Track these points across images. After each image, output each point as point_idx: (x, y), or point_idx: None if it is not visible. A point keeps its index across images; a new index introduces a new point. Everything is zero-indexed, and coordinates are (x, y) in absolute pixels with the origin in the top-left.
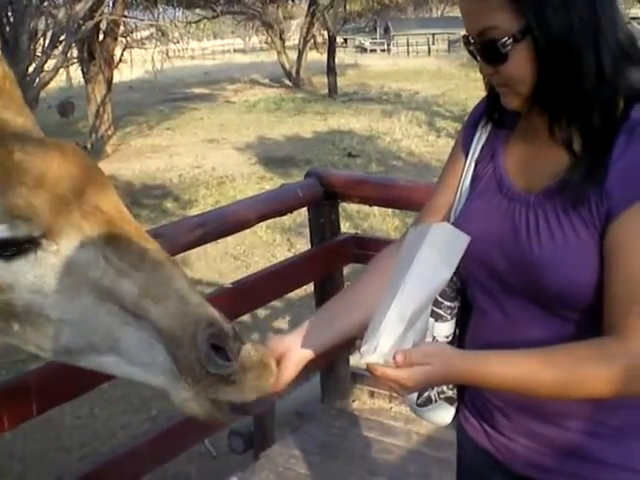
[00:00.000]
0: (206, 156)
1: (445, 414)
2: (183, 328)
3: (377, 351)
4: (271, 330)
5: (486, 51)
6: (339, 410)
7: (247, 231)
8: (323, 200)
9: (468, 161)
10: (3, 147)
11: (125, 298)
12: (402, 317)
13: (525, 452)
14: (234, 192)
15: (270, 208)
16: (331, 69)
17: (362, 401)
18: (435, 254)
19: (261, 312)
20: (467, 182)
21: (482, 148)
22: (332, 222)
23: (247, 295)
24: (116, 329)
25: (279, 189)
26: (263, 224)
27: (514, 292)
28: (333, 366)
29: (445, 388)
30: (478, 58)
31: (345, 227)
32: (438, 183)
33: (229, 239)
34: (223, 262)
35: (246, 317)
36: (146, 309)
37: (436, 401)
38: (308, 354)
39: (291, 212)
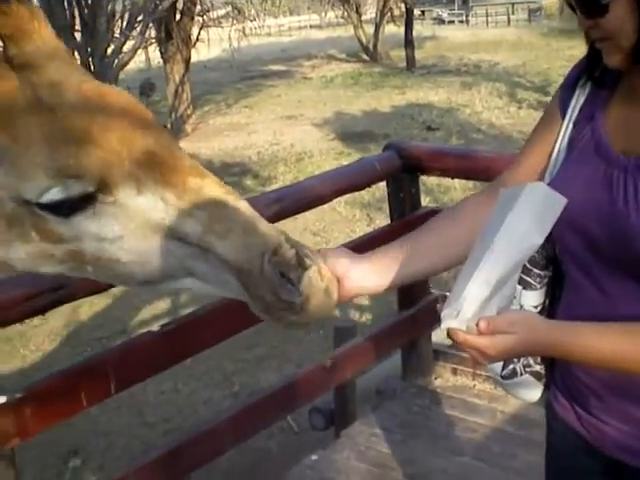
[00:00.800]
0: (284, 133)
1: (532, 390)
2: (250, 261)
3: (459, 316)
4: (352, 307)
5: (585, 2)
6: (421, 388)
7: (326, 207)
8: (402, 173)
9: (566, 122)
10: (42, 103)
11: (190, 237)
12: (488, 282)
13: (617, 435)
14: (312, 168)
15: (347, 182)
16: (409, 42)
17: (445, 379)
18: (527, 216)
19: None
20: (564, 144)
21: (581, 109)
22: (412, 196)
23: None
24: (187, 262)
25: (356, 163)
26: (342, 200)
27: (611, 265)
28: (415, 343)
29: (532, 361)
30: (577, 11)
31: (425, 201)
32: (526, 145)
33: (308, 215)
34: (302, 238)
35: None
36: (212, 245)
37: (521, 374)
38: (365, 288)
39: (369, 186)
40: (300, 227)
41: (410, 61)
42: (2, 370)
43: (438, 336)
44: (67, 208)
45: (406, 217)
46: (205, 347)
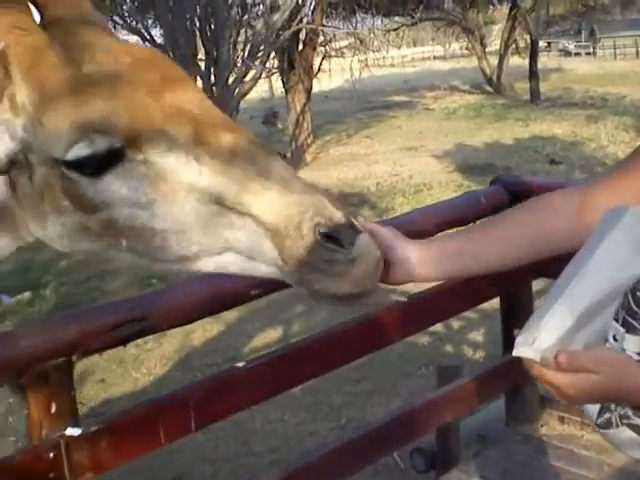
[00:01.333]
0: (404, 164)
1: (633, 444)
2: (288, 219)
3: (535, 345)
4: (465, 342)
5: None
6: (525, 435)
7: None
8: (510, 208)
9: None
10: (70, 59)
11: (224, 197)
12: (573, 310)
13: None
14: (431, 200)
15: (451, 216)
16: (533, 74)
17: (551, 427)
18: (627, 242)
19: (455, 323)
20: None
21: None
22: None
23: (425, 310)
24: (222, 230)
25: (461, 196)
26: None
27: None
28: (519, 388)
29: (630, 412)
30: None
31: None
32: (627, 160)
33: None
34: None
35: (439, 327)
36: (247, 205)
37: (617, 426)
38: (412, 275)
39: (474, 221)
40: None
41: (534, 93)
42: (113, 393)
43: None
44: (95, 167)
45: None
46: (292, 385)
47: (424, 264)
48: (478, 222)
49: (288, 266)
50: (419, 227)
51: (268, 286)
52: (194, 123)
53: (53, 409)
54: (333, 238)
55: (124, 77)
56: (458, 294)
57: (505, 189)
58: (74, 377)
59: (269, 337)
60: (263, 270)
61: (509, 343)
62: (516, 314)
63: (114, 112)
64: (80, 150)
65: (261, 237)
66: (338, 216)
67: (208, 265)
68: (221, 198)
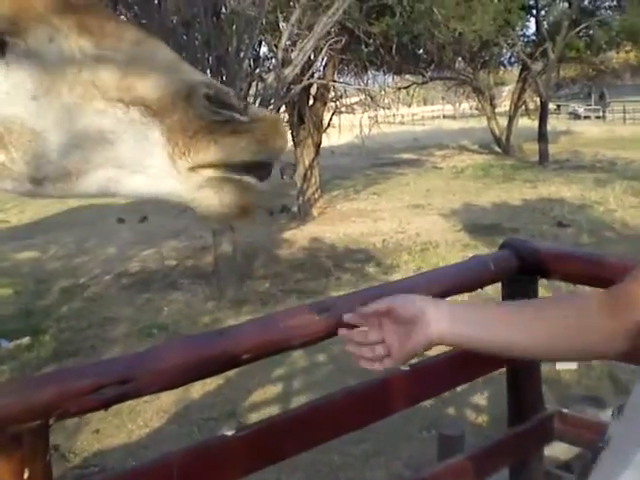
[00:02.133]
0: (410, 221)
1: None
2: (175, 94)
3: None
4: (469, 406)
5: None
6: None
7: (477, 292)
8: (519, 275)
9: None
10: None
11: (109, 86)
12: None
13: None
14: (437, 259)
15: (457, 283)
16: (542, 136)
17: None
18: None
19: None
20: None
21: None
22: None
23: (426, 380)
24: (107, 129)
25: (468, 261)
26: (459, 297)
27: None
28: (525, 462)
29: None
30: None
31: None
32: None
33: (457, 298)
34: None
35: None
36: (132, 87)
37: None
38: (440, 336)
39: (481, 288)
40: None
41: (543, 155)
42: (107, 444)
43: (551, 456)
44: None
45: None
46: (280, 459)
47: (457, 325)
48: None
49: (176, 148)
50: (424, 292)
51: (259, 350)
52: (78, 14)
53: (26, 475)
54: (225, 104)
55: None
56: (459, 364)
57: (515, 254)
58: (68, 428)
59: (269, 393)
60: (156, 186)
61: (515, 416)
62: (522, 386)
63: None
64: None
65: (146, 129)
66: (227, 89)
67: (90, 185)
68: (106, 89)
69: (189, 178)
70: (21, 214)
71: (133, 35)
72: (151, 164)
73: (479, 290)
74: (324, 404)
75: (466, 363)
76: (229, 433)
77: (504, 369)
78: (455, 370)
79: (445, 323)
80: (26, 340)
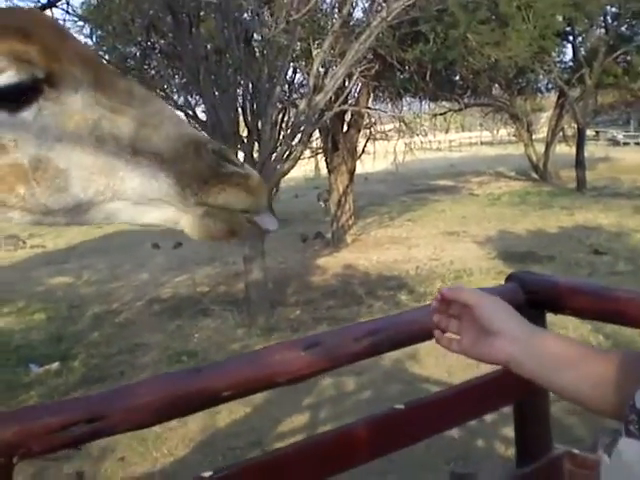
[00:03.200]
0: (445, 249)
1: None
2: (186, 146)
3: None
4: (498, 437)
5: None
6: None
7: None
8: (526, 309)
9: None
10: None
11: (124, 134)
12: None
13: None
14: (471, 287)
15: None
16: (580, 162)
17: None
18: None
19: (488, 416)
20: None
21: None
22: None
23: (427, 418)
24: (119, 167)
25: None
26: None
27: None
28: None
29: None
30: None
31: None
32: None
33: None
34: (453, 359)
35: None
36: (147, 138)
37: None
38: (512, 367)
39: None
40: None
41: (580, 182)
42: (132, 472)
43: None
44: (17, 99)
45: None
46: None
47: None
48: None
49: (188, 189)
50: (422, 326)
51: (240, 387)
52: (91, 68)
53: None
54: (230, 159)
55: (31, 25)
56: (469, 398)
57: (521, 288)
58: (93, 455)
59: (296, 422)
60: (156, 214)
61: (524, 456)
62: (530, 423)
63: (32, 48)
64: (10, 78)
65: (156, 171)
66: (224, 147)
67: (98, 214)
68: (120, 137)
69: (194, 210)
70: (57, 239)
71: (141, 92)
72: (157, 198)
73: None
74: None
75: (476, 396)
76: (206, 475)
77: None
78: (465, 404)
79: (518, 353)
80: (55, 365)
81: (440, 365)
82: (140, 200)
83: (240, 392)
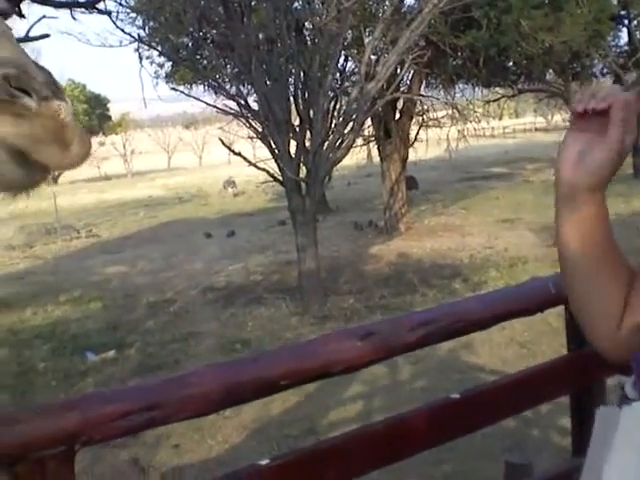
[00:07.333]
0: (499, 236)
1: None
2: None
3: None
4: (554, 427)
5: None
6: None
7: (536, 317)
8: None
9: None
10: None
11: None
12: None
13: None
14: (525, 275)
15: (513, 306)
16: (637, 149)
17: None
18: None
19: (544, 407)
20: None
21: None
22: None
23: (483, 407)
24: None
25: (526, 284)
26: (554, 310)
27: None
28: None
29: None
30: None
31: None
32: None
33: (515, 324)
34: (508, 349)
35: (528, 412)
36: None
37: None
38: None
39: (541, 311)
40: (507, 337)
41: (637, 168)
42: (186, 460)
43: None
44: None
45: (586, 348)
46: None
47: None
48: None
49: None
50: (473, 316)
51: (296, 376)
52: None
53: None
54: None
55: None
56: (519, 390)
57: None
58: (148, 442)
59: (348, 411)
60: None
61: (578, 443)
62: (588, 413)
63: None
64: None
65: None
66: (36, 73)
67: None
68: None
69: None
70: (112, 229)
71: None
72: None
73: (538, 314)
74: (360, 433)
75: (525, 389)
76: (263, 462)
77: None
78: (521, 393)
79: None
80: (111, 354)
81: (495, 355)
82: None
83: (296, 381)
